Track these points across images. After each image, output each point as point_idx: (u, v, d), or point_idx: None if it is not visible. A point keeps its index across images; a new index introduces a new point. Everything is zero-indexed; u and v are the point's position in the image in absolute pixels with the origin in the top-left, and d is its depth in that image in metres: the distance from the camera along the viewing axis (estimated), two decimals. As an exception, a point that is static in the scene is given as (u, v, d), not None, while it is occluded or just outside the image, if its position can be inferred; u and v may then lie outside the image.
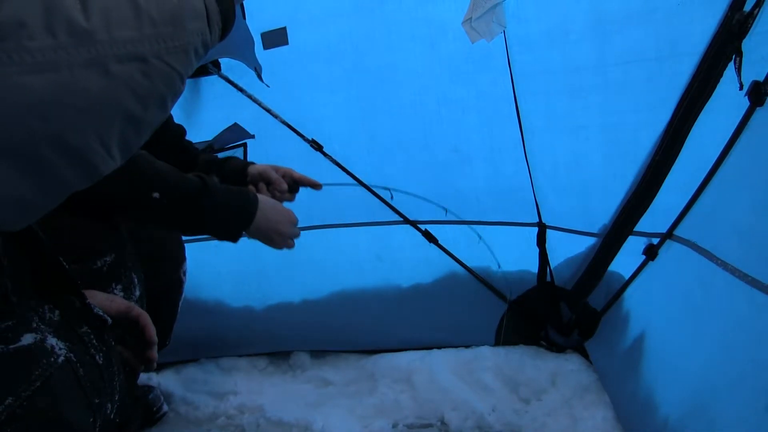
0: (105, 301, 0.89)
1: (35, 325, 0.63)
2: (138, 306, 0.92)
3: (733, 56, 1.32)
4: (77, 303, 0.71)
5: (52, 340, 0.63)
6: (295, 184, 1.68)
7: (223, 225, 1.28)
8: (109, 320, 0.76)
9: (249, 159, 2.16)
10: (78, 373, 0.66)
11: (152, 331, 0.92)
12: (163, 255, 1.65)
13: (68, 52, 0.46)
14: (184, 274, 1.75)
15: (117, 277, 1.21)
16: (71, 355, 0.65)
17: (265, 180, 1.64)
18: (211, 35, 0.61)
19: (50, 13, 0.45)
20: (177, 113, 2.11)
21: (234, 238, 1.32)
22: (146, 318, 0.92)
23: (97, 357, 0.71)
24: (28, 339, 0.61)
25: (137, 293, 1.26)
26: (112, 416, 0.75)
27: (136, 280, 1.27)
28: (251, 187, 1.63)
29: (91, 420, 0.68)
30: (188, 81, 2.06)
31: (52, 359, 0.62)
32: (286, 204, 1.52)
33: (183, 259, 1.74)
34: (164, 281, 1.64)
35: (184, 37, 0.56)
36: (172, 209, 1.17)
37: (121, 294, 1.19)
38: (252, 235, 1.36)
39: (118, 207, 1.19)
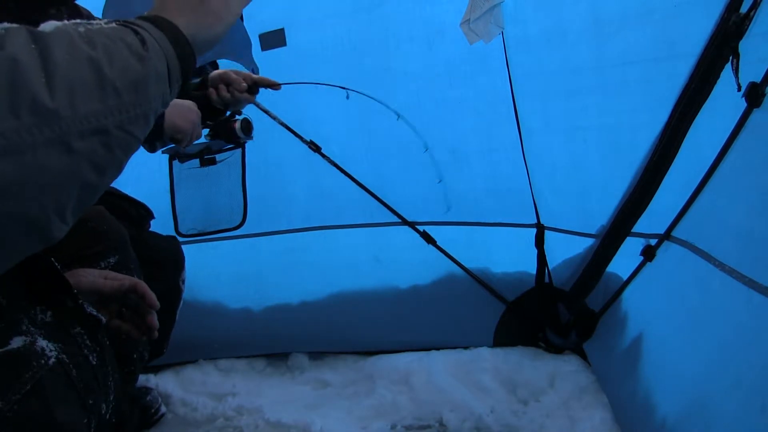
0: (99, 278, 0.89)
1: (25, 327, 0.63)
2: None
3: (731, 57, 1.32)
4: (70, 303, 0.71)
5: (42, 342, 0.63)
6: (254, 85, 1.68)
7: None
8: (103, 320, 0.75)
9: (248, 161, 2.16)
10: (71, 374, 0.66)
11: (152, 296, 0.92)
12: (163, 259, 1.66)
13: (32, 133, 0.45)
14: (183, 282, 1.76)
15: None
16: (63, 356, 0.65)
17: (225, 81, 1.64)
18: (171, 93, 0.62)
19: (15, 91, 0.45)
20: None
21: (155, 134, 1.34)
22: (143, 286, 0.92)
23: (91, 357, 0.71)
24: (17, 342, 0.61)
25: None
26: (107, 416, 0.75)
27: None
28: (212, 90, 1.62)
29: (86, 421, 0.68)
30: (186, 82, 2.07)
31: (43, 361, 0.62)
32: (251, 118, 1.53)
33: (182, 266, 1.75)
34: (163, 286, 1.64)
35: (147, 103, 0.56)
36: None
37: None
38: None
39: None
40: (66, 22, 0.53)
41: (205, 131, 1.72)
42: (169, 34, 0.61)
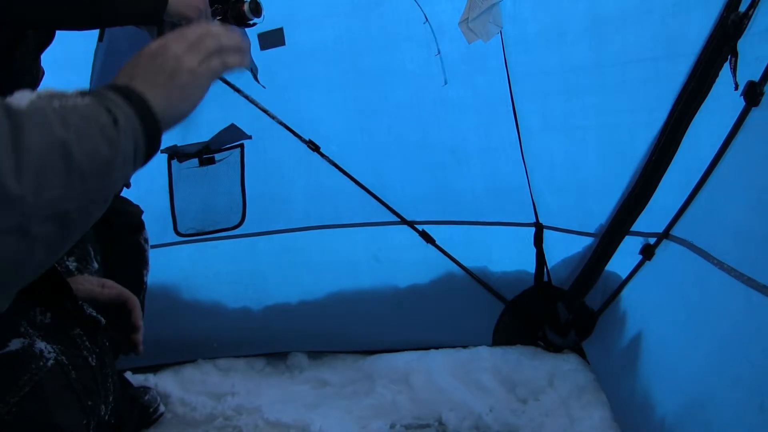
0: (96, 287, 0.88)
1: (23, 329, 0.62)
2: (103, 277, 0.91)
3: (729, 56, 1.32)
4: (69, 305, 0.71)
5: (40, 344, 0.63)
6: None
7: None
8: (103, 321, 0.75)
9: (246, 160, 2.16)
10: (70, 375, 0.65)
11: (138, 315, 0.92)
12: (116, 213, 1.61)
13: None
14: (146, 242, 1.72)
15: (69, 250, 1.19)
16: (62, 358, 0.65)
17: None
18: (134, 169, 0.60)
19: None
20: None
21: (154, 19, 1.32)
22: (134, 302, 0.92)
23: (90, 359, 0.71)
24: (15, 344, 0.60)
25: (94, 265, 1.24)
26: (106, 418, 0.75)
27: (92, 252, 1.26)
28: None
29: (85, 422, 0.68)
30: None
31: (41, 363, 0.62)
32: None
33: (140, 222, 1.71)
34: (123, 247, 1.61)
35: (111, 187, 0.54)
36: None
37: (75, 265, 1.16)
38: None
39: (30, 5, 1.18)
40: (41, 94, 0.51)
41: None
42: (139, 111, 0.58)
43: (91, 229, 1.30)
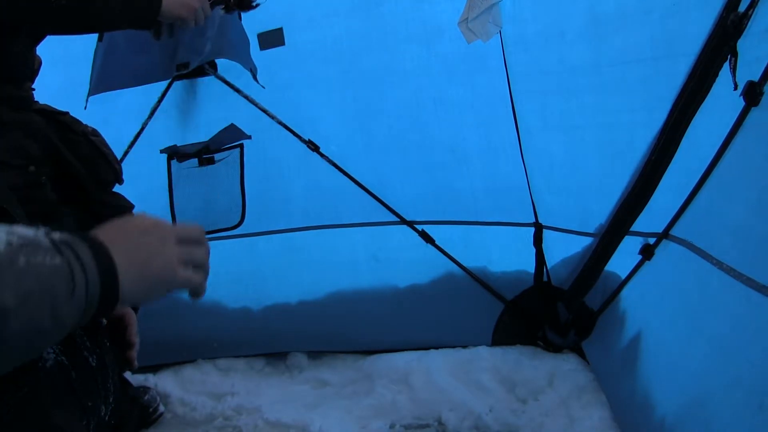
0: None
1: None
2: None
3: (729, 56, 1.32)
4: None
5: (56, 235, 0.61)
6: None
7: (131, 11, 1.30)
8: (103, 321, 0.75)
9: (246, 160, 2.16)
10: (70, 376, 0.65)
11: (133, 332, 0.92)
12: (109, 207, 1.62)
13: None
14: None
15: None
16: (62, 358, 0.65)
17: None
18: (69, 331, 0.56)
19: None
20: (174, 114, 2.12)
21: (148, 21, 1.33)
22: (130, 317, 0.92)
23: (90, 359, 0.71)
24: None
25: None
26: (106, 418, 0.75)
27: None
28: None
29: (84, 423, 0.68)
30: (185, 82, 2.07)
31: (40, 364, 0.62)
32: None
33: (126, 210, 1.72)
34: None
35: (39, 348, 0.53)
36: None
37: None
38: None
39: (20, 10, 1.18)
40: (13, 242, 0.49)
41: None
42: (105, 281, 0.56)
43: (73, 220, 1.30)
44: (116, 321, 0.90)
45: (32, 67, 1.46)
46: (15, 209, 0.64)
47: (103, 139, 1.64)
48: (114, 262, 0.57)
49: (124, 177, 1.71)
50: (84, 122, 1.61)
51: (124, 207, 1.72)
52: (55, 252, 0.52)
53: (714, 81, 1.40)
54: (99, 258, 0.56)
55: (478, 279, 2.16)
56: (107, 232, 0.61)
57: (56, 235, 0.54)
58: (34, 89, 1.50)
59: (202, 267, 0.71)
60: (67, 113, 1.57)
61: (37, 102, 1.49)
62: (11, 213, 0.62)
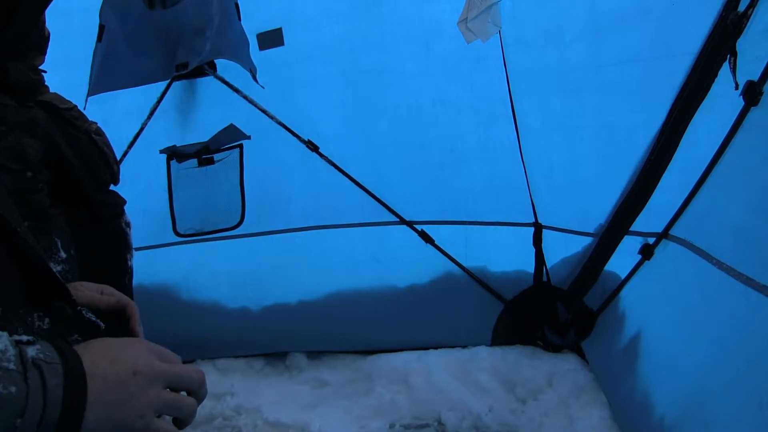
0: (96, 293, 0.87)
1: (18, 336, 0.61)
2: (75, 267, 0.88)
3: (728, 56, 1.32)
4: (68, 310, 0.70)
5: (32, 352, 0.61)
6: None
7: None
8: (102, 325, 0.75)
9: (245, 160, 2.16)
10: None
11: (137, 322, 0.91)
12: (102, 205, 1.61)
13: None
14: (128, 225, 1.72)
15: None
16: None
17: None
18: None
19: None
20: (173, 114, 2.11)
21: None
22: (133, 309, 0.90)
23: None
24: None
25: (62, 255, 1.23)
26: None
27: (59, 243, 1.24)
28: None
29: None
30: (184, 82, 2.06)
31: None
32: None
33: (121, 210, 1.72)
34: (104, 233, 1.61)
35: None
36: None
37: None
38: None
39: None
40: None
41: None
42: (67, 411, 0.51)
43: (62, 220, 1.29)
44: (117, 314, 0.89)
45: (41, 34, 1.41)
46: (16, 220, 0.64)
47: (105, 139, 1.63)
48: (86, 397, 0.53)
49: (122, 177, 1.70)
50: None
51: (117, 205, 1.72)
52: (18, 377, 0.48)
53: (713, 81, 1.40)
54: (69, 391, 0.52)
55: (478, 279, 2.16)
56: (95, 353, 0.57)
57: (33, 351, 0.51)
58: (45, 71, 1.45)
59: (185, 421, 0.64)
60: (74, 107, 1.55)
61: (47, 88, 1.46)
62: (10, 222, 0.61)
